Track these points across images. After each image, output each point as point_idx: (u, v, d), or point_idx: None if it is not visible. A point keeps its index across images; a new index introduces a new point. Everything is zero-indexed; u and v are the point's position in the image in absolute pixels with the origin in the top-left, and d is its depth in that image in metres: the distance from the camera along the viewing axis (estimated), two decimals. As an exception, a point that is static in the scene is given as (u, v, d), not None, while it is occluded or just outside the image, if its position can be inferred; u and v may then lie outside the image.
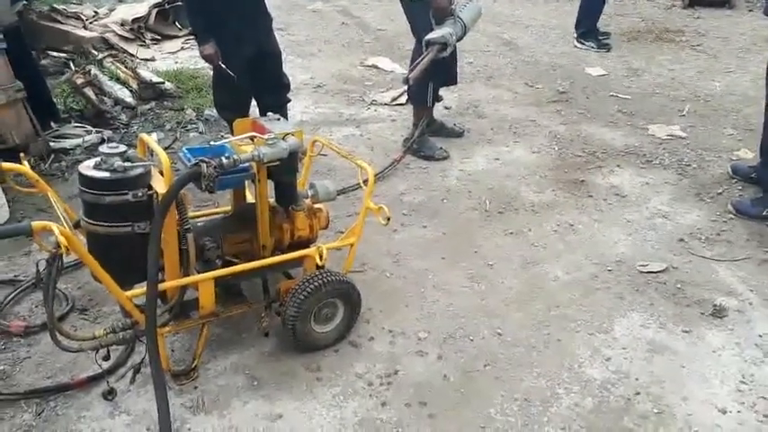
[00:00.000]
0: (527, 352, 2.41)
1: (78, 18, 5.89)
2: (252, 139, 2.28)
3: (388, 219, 2.34)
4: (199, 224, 2.38)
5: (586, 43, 6.01)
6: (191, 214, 2.20)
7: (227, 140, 2.23)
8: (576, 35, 6.12)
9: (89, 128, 4.17)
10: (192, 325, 2.26)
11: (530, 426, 2.09)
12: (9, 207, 3.25)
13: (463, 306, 2.65)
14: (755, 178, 3.51)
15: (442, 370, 2.32)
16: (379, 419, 2.11)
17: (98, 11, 6.49)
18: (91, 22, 6.03)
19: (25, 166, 2.18)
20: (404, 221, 3.26)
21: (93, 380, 2.22)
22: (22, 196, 3.27)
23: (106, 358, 2.16)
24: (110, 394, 2.16)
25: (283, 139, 2.22)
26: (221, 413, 2.12)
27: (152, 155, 2.21)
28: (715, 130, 4.32)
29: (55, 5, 5.91)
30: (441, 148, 3.96)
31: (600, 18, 6.04)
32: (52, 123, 4.13)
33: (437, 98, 3.97)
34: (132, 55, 5.56)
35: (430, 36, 3.51)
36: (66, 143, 3.96)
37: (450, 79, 4.01)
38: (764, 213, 3.21)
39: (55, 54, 5.29)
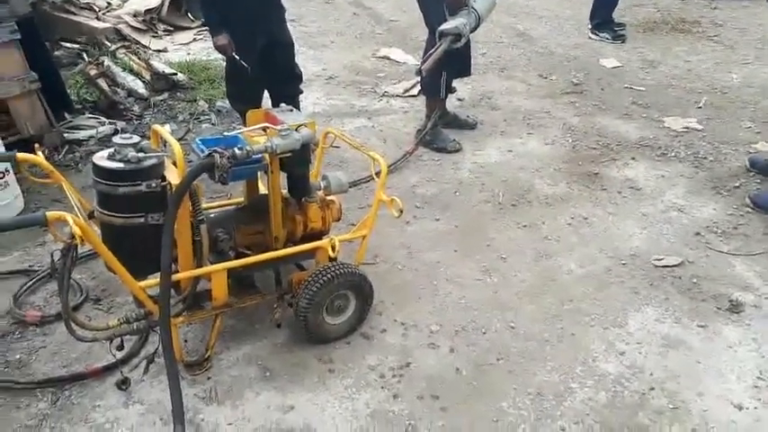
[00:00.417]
0: (540, 346, 2.39)
1: (91, 9, 5.90)
2: (264, 130, 2.27)
3: (401, 211, 2.33)
4: (212, 215, 2.38)
5: (601, 34, 5.94)
6: (203, 205, 2.20)
7: (240, 131, 2.23)
8: (590, 26, 6.04)
9: (102, 119, 4.19)
10: (206, 316, 2.26)
11: (543, 420, 2.08)
12: (23, 198, 3.27)
13: (476, 299, 2.64)
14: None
15: (454, 363, 2.31)
16: (391, 412, 2.11)
17: (111, 2, 6.49)
18: (104, 13, 6.03)
19: (40, 157, 2.18)
20: (416, 214, 3.25)
21: (107, 369, 2.24)
22: (37, 187, 3.30)
23: (120, 348, 2.17)
24: (123, 384, 2.17)
25: (296, 130, 2.21)
26: (234, 404, 2.13)
27: (165, 146, 2.21)
28: (732, 123, 4.25)
29: (68, -4, 5.92)
30: (453, 139, 3.93)
31: (615, 9, 5.96)
32: (66, 114, 4.15)
33: (450, 89, 3.94)
34: (145, 46, 5.57)
35: (443, 27, 3.48)
36: (80, 134, 3.98)
37: (464, 70, 3.97)
38: (783, 207, 3.17)
39: (68, 45, 5.30)
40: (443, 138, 3.92)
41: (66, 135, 3.90)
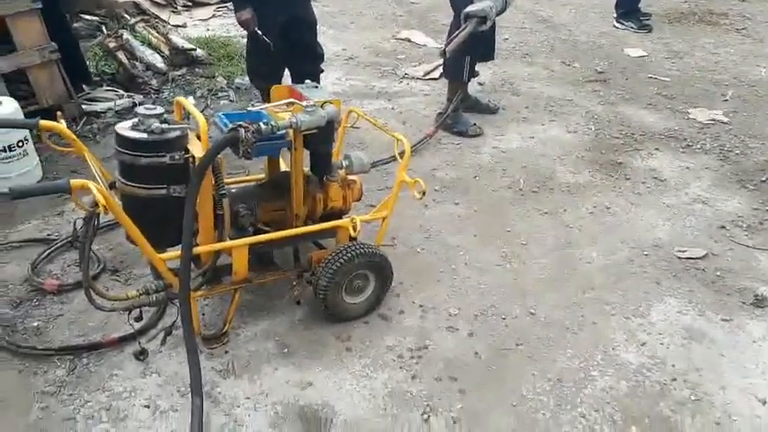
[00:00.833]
0: (561, 333, 2.36)
1: (111, -18, 5.86)
2: (289, 105, 2.23)
3: (424, 192, 2.30)
4: (233, 190, 2.36)
5: (626, 23, 5.83)
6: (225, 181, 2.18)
7: (264, 107, 2.19)
8: (615, 15, 5.93)
9: (120, 92, 4.17)
10: (225, 290, 2.25)
11: (562, 406, 2.06)
12: (41, 167, 3.27)
13: (495, 284, 2.61)
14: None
15: (473, 346, 2.29)
16: (409, 392, 2.09)
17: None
18: (124, -13, 6.00)
19: (62, 125, 2.17)
20: (435, 197, 3.21)
21: (124, 340, 2.23)
22: (55, 157, 3.30)
23: (138, 319, 2.17)
24: (141, 354, 2.17)
25: (322, 107, 2.17)
26: (252, 378, 2.12)
27: (188, 119, 2.19)
28: (760, 117, 4.17)
29: (88, -31, 5.88)
30: (474, 124, 3.88)
31: (642, -1, 5.86)
32: (84, 86, 4.14)
33: (473, 73, 3.88)
34: (164, 20, 5.52)
35: (469, 9, 3.40)
36: (98, 106, 3.97)
37: (488, 54, 3.91)
38: (810, 203, 3.11)
39: (87, 17, 5.27)
40: (464, 122, 3.87)
41: (84, 107, 3.89)
